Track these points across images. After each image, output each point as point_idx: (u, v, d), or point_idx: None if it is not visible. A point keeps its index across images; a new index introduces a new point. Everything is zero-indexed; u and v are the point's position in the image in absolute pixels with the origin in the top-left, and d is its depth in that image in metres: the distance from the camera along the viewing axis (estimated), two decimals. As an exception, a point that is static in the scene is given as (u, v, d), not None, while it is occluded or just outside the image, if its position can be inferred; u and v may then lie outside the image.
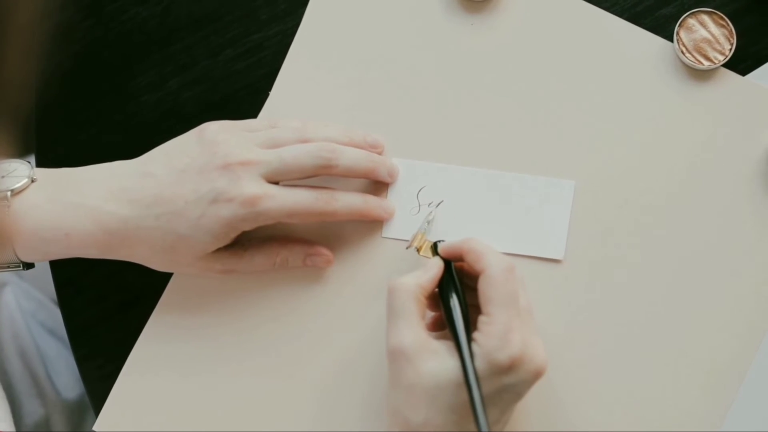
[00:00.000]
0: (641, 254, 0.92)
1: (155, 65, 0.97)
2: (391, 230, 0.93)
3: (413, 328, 0.82)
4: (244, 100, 0.96)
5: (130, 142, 0.95)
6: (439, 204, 0.93)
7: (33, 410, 1.10)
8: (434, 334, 0.85)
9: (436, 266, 0.86)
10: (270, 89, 0.96)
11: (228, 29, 0.97)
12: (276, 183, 0.88)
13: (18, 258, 0.88)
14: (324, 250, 0.92)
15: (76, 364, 0.96)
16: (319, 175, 0.89)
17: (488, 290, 0.82)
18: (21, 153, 0.93)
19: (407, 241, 0.92)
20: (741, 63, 0.94)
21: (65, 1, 0.98)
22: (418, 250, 0.90)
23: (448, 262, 0.86)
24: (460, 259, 0.86)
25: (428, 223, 0.92)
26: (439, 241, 0.88)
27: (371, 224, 0.93)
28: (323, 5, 0.97)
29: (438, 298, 0.86)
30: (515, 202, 0.93)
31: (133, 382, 0.94)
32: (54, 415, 1.10)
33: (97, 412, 0.94)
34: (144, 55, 0.97)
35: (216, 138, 0.88)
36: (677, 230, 0.92)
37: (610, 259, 0.92)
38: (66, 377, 1.11)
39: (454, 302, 0.84)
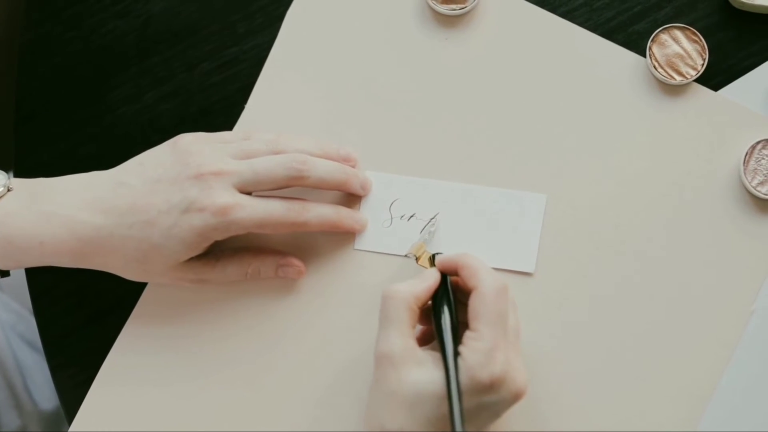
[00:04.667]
0: (612, 267, 0.92)
1: (133, 78, 0.98)
2: (363, 242, 0.94)
3: (402, 336, 0.82)
4: (220, 112, 0.97)
5: (108, 154, 0.95)
6: (435, 216, 0.93)
7: (10, 421, 1.10)
8: (424, 346, 0.85)
9: (432, 277, 0.86)
10: (245, 102, 0.97)
11: (205, 43, 0.98)
12: (248, 194, 0.89)
13: (-8, 265, 0.89)
14: (296, 261, 0.92)
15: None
16: (291, 186, 0.90)
17: (478, 307, 0.82)
18: (-1, 163, 0.94)
19: (379, 253, 0.93)
20: (713, 78, 0.94)
21: (45, 15, 0.99)
22: (416, 260, 0.90)
23: (444, 275, 0.86)
24: (455, 273, 0.86)
25: (429, 233, 0.92)
26: (438, 253, 0.89)
27: (343, 236, 0.94)
28: (299, 20, 0.98)
29: (429, 311, 0.86)
30: (487, 215, 0.93)
31: (107, 392, 0.94)
32: (31, 425, 1.10)
33: (70, 420, 0.94)
34: (122, 68, 0.98)
35: (189, 148, 0.89)
36: (649, 243, 0.92)
37: (581, 272, 0.92)
38: (44, 389, 1.12)
39: (445, 315, 0.84)
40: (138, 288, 0.94)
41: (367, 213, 0.94)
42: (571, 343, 0.92)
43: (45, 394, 1.11)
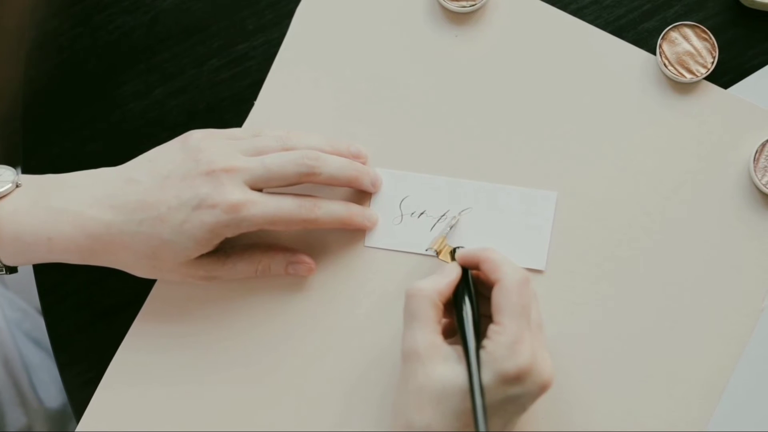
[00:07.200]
0: (623, 265, 0.92)
1: (141, 74, 0.98)
2: (373, 239, 0.93)
3: (428, 333, 0.83)
4: (229, 109, 0.97)
5: (116, 150, 0.95)
6: (462, 212, 0.93)
7: (15, 419, 1.10)
8: (447, 340, 0.85)
9: (453, 272, 0.86)
10: (255, 99, 0.96)
11: (214, 39, 0.98)
12: (259, 190, 0.89)
13: (0, 261, 0.89)
14: (306, 258, 0.92)
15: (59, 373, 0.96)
16: (302, 183, 0.90)
17: (501, 300, 0.82)
18: (7, 159, 0.94)
19: (390, 250, 0.92)
20: (723, 76, 0.95)
21: (53, 10, 0.99)
22: (437, 254, 0.90)
23: (465, 269, 0.87)
24: (476, 267, 0.86)
25: (450, 228, 0.92)
26: (459, 247, 0.89)
27: (354, 233, 0.93)
28: (309, 16, 0.97)
29: (452, 304, 0.86)
30: (497, 212, 0.93)
31: (115, 390, 0.93)
32: (36, 424, 1.10)
33: (78, 418, 0.93)
34: (130, 64, 0.98)
35: (200, 145, 0.88)
36: (659, 241, 0.92)
37: (591, 269, 0.92)
38: (49, 387, 1.11)
39: (467, 309, 0.84)
40: (147, 285, 0.94)
41: (377, 210, 0.94)
42: (580, 340, 0.92)
43: (51, 392, 1.11)
